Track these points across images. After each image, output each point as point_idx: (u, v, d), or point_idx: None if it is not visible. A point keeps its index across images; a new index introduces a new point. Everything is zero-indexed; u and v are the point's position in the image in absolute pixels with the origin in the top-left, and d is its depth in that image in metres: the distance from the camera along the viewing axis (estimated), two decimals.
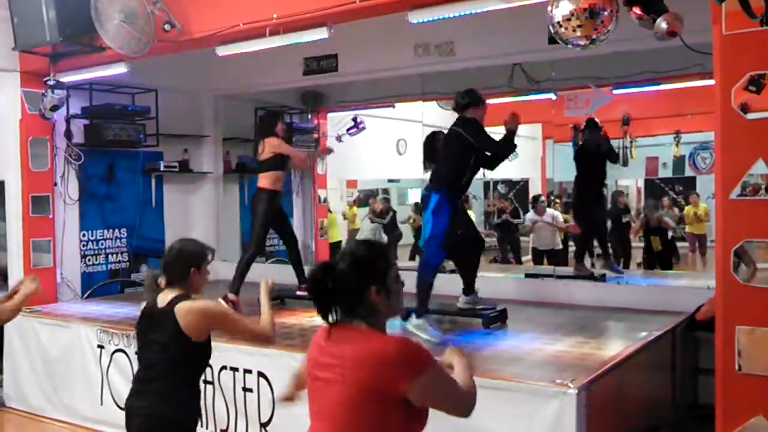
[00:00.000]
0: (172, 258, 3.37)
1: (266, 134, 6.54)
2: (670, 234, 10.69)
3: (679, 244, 12.17)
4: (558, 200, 12.00)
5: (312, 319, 6.17)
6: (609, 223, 10.05)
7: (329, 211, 11.89)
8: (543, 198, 10.85)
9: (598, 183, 7.89)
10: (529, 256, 11.16)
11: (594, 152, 7.74)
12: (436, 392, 2.27)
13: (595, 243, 8.39)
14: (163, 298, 3.30)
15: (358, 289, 2.30)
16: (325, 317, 2.35)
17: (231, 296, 6.40)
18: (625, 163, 13.43)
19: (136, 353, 3.44)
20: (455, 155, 5.41)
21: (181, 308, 3.22)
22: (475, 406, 2.43)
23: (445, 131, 5.70)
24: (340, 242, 11.68)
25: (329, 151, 7.95)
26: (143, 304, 3.46)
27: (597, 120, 8.17)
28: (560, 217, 10.36)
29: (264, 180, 6.52)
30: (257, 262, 9.27)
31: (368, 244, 2.50)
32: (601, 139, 7.93)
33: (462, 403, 2.38)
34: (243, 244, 8.59)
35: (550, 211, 10.42)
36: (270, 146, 6.44)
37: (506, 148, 5.54)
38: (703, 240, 13.81)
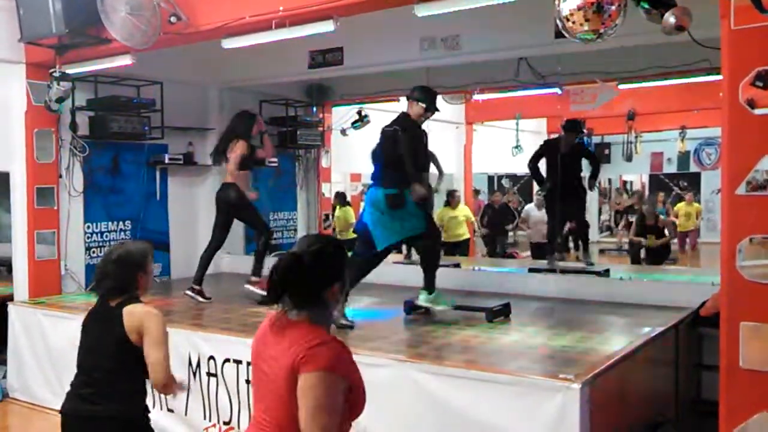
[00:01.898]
0: (117, 268, 3.30)
1: (240, 135, 6.67)
2: (667, 232, 10.71)
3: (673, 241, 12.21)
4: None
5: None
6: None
7: (347, 203, 11.78)
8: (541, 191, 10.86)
9: (561, 179, 7.98)
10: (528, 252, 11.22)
11: (562, 153, 7.99)
12: (312, 395, 2.18)
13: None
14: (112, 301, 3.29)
15: (320, 284, 2.33)
16: (272, 304, 2.35)
17: (254, 279, 6.62)
18: (630, 159, 13.44)
19: (79, 357, 3.36)
20: None
21: (129, 311, 3.22)
22: None
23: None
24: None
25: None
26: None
27: (578, 123, 8.31)
28: None
29: (232, 176, 6.68)
30: None
31: (333, 240, 2.57)
32: (569, 145, 8.12)
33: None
34: (247, 237, 8.61)
35: None
36: (240, 149, 6.59)
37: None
38: (693, 236, 13.83)
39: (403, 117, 5.76)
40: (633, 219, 11.27)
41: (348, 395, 2.26)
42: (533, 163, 8.21)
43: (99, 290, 3.35)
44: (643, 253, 10.47)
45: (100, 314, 3.32)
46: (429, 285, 5.71)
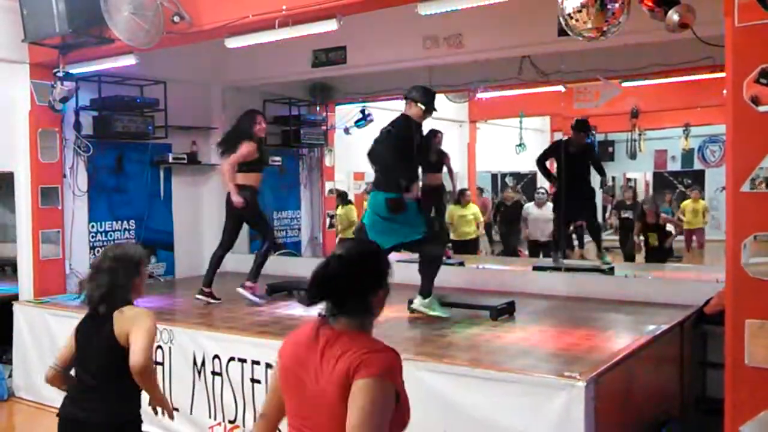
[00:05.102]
0: (115, 266, 3.27)
1: (244, 136, 6.53)
2: (672, 230, 10.64)
3: (678, 237, 12.14)
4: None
5: (319, 310, 6.18)
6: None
7: (349, 202, 11.76)
8: (543, 190, 10.84)
9: (569, 179, 8.01)
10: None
11: (571, 153, 8.04)
12: (365, 400, 2.10)
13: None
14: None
15: (366, 288, 2.27)
16: (310, 306, 2.27)
17: (248, 283, 6.53)
18: (634, 156, 13.40)
19: (74, 363, 3.34)
20: None
21: (119, 313, 3.21)
22: None
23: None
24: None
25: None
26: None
27: (588, 124, 8.35)
28: None
29: (248, 178, 6.54)
30: None
31: (374, 244, 2.49)
32: (578, 145, 8.16)
33: None
34: (251, 236, 8.61)
35: (548, 205, 10.41)
36: (245, 149, 6.45)
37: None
38: (700, 234, 13.79)
39: (403, 118, 5.69)
40: (626, 215, 11.21)
41: (396, 404, 2.19)
42: (541, 160, 8.22)
43: (94, 297, 3.26)
44: (643, 254, 10.42)
45: (93, 319, 3.29)
46: (424, 290, 5.71)
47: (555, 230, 8.64)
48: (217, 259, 6.71)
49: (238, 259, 7.55)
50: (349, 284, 2.25)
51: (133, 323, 3.17)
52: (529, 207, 10.93)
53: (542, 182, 15.76)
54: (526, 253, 11.65)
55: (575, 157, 8.01)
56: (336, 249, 2.36)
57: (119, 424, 3.23)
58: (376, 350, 2.20)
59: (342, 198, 11.64)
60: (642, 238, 10.00)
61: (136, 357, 3.09)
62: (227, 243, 6.76)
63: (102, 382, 3.21)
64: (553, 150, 8.38)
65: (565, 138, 8.59)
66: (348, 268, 2.26)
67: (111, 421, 3.20)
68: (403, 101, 5.81)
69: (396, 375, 2.21)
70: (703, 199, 14.80)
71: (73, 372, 3.38)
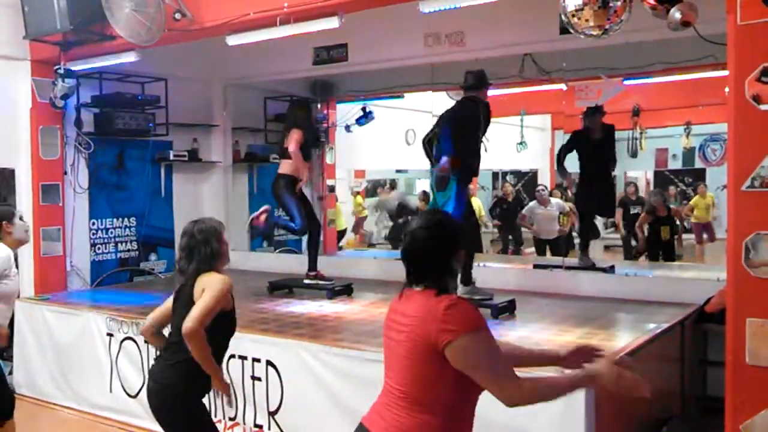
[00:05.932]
0: (196, 241, 3.50)
1: (293, 125, 6.74)
2: (683, 223, 10.58)
3: (684, 236, 12.10)
4: (563, 192, 11.95)
5: (321, 307, 6.19)
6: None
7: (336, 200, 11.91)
8: (543, 187, 10.81)
9: (595, 169, 7.69)
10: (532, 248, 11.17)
11: (589, 138, 7.64)
12: (469, 357, 2.27)
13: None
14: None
15: (446, 253, 2.43)
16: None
17: (311, 273, 6.88)
18: (635, 155, 13.39)
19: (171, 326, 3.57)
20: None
21: (201, 279, 3.43)
22: (523, 403, 2.41)
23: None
24: (345, 230, 11.91)
25: None
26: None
27: (600, 106, 8.04)
28: (566, 206, 10.30)
29: (283, 166, 6.74)
30: (265, 251, 9.32)
31: (446, 213, 2.77)
32: (595, 126, 7.70)
33: (498, 380, 2.32)
34: (252, 234, 8.62)
35: (555, 200, 10.40)
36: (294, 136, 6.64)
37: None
38: (709, 228, 13.77)
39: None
40: (635, 211, 11.14)
41: None
42: (562, 156, 7.84)
43: (186, 268, 3.51)
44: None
45: (184, 287, 3.50)
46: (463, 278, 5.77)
47: (582, 224, 8.17)
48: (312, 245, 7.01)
49: (240, 256, 7.57)
50: (428, 249, 2.42)
51: (206, 286, 3.37)
52: (533, 206, 10.91)
53: (544, 181, 15.78)
54: (527, 251, 11.65)
55: (601, 144, 7.65)
56: (413, 222, 2.52)
57: (182, 390, 3.41)
58: (451, 305, 2.30)
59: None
60: (646, 232, 9.92)
61: (187, 321, 3.27)
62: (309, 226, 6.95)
63: (176, 346, 3.41)
64: (576, 141, 7.87)
65: (584, 127, 8.15)
66: (425, 235, 2.43)
67: (174, 386, 3.40)
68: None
69: (480, 320, 2.33)
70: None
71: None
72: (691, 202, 14.40)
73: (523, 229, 12.51)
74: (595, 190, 7.75)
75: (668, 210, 9.75)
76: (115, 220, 7.90)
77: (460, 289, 5.75)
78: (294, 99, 7.02)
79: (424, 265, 2.41)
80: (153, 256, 8.25)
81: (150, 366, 3.63)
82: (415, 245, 2.43)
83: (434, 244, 2.42)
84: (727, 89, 3.50)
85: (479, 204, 11.08)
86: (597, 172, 7.69)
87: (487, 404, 3.89)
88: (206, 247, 3.49)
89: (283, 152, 6.73)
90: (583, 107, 8.20)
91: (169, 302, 3.63)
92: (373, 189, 14.62)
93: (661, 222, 9.55)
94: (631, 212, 10.85)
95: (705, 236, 13.43)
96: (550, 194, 10.69)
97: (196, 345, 3.30)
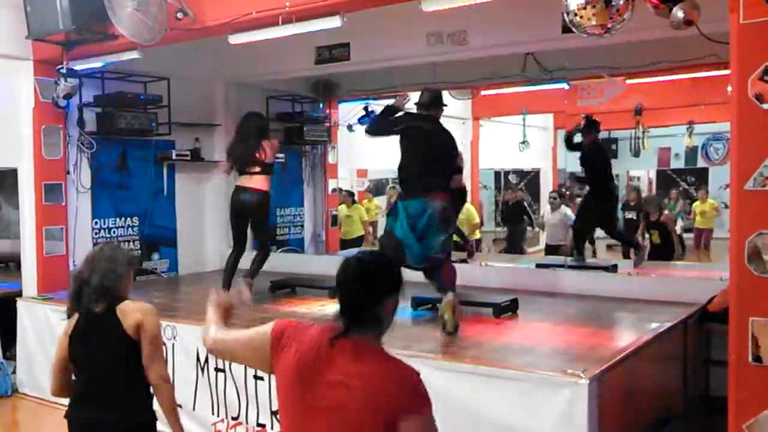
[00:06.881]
0: (110, 267, 3.28)
1: (266, 136, 6.59)
2: (677, 228, 10.58)
3: (686, 235, 12.08)
4: (568, 192, 11.94)
5: (323, 307, 6.19)
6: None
7: (354, 202, 11.65)
8: (555, 195, 10.78)
9: (597, 181, 8.09)
10: (539, 247, 11.16)
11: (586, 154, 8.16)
12: None
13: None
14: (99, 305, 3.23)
15: (376, 299, 2.23)
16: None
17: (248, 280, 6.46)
18: (637, 154, 13.39)
19: (73, 363, 3.28)
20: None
21: (122, 309, 3.20)
22: None
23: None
24: (362, 237, 11.29)
25: None
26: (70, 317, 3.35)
27: (594, 120, 8.34)
28: (573, 216, 10.27)
29: (264, 182, 6.53)
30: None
31: (385, 254, 2.45)
32: (589, 145, 8.24)
33: None
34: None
35: (563, 209, 10.37)
36: (272, 149, 6.51)
37: None
38: (708, 234, 13.78)
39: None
40: (629, 216, 11.15)
41: None
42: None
43: (83, 301, 3.27)
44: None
45: (91, 324, 3.23)
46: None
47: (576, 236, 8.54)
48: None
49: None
50: (361, 292, 2.23)
51: (141, 318, 3.17)
52: (546, 211, 10.91)
53: (547, 180, 15.77)
54: (530, 251, 11.66)
55: (594, 161, 8.16)
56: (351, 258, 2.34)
57: (135, 424, 3.21)
58: (415, 382, 2.16)
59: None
60: (647, 236, 9.95)
61: (158, 369, 3.16)
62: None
63: (116, 382, 3.18)
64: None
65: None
66: (358, 277, 2.24)
67: (128, 423, 3.17)
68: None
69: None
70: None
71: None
72: (693, 207, 14.41)
73: (527, 228, 12.52)
74: (593, 206, 8.13)
75: (660, 215, 9.76)
76: (117, 219, 7.90)
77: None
78: (249, 113, 6.82)
79: (361, 310, 2.20)
80: (155, 256, 8.25)
81: (71, 417, 3.28)
82: (349, 282, 2.24)
83: (367, 289, 2.22)
84: (729, 88, 3.49)
85: (472, 211, 10.79)
86: (598, 189, 8.05)
87: (489, 403, 3.87)
88: (121, 273, 3.28)
89: (255, 165, 6.44)
90: (585, 106, 8.25)
91: (63, 344, 3.31)
92: (375, 188, 14.56)
93: (652, 226, 9.57)
94: (627, 217, 10.86)
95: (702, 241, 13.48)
96: (562, 201, 10.67)
97: (169, 392, 3.22)
